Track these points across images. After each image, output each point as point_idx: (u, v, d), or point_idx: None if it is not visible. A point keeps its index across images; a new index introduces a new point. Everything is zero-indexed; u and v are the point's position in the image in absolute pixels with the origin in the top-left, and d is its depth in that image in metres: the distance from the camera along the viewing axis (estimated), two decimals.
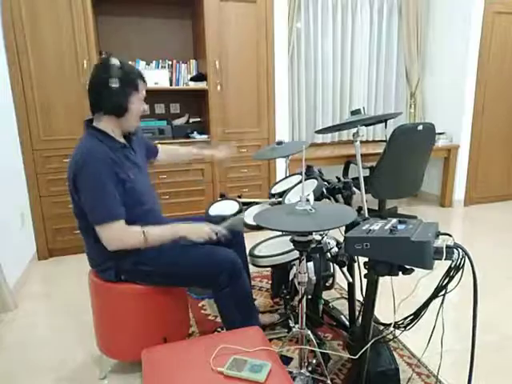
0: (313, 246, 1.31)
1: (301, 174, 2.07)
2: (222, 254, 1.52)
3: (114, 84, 1.41)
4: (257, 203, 2.10)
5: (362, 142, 4.22)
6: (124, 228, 1.42)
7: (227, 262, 1.49)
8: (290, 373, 1.45)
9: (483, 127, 3.99)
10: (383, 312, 1.49)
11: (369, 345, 1.24)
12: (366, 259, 1.11)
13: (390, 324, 1.25)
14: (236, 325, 1.43)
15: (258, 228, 1.65)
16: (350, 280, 1.68)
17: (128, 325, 1.55)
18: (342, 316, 1.91)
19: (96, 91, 1.46)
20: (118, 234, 1.41)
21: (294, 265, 1.83)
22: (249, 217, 1.98)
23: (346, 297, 1.82)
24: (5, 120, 2.64)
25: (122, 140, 1.56)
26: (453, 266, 1.03)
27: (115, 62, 1.44)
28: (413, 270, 1.06)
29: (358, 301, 1.72)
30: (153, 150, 1.88)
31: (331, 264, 1.78)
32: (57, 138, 2.87)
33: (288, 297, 1.97)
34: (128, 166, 1.51)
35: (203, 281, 1.55)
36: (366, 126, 3.98)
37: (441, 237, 1.05)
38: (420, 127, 3.08)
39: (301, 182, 1.86)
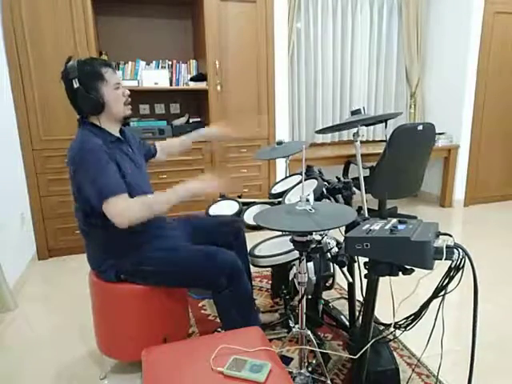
0: (313, 246, 1.31)
1: (301, 174, 2.07)
2: (222, 255, 1.51)
3: (76, 85, 1.40)
4: (256, 203, 2.10)
5: (362, 142, 4.22)
6: (128, 200, 1.40)
7: (227, 264, 1.48)
8: (290, 373, 1.45)
9: (483, 127, 3.99)
10: (383, 312, 1.49)
11: (369, 345, 1.24)
12: (366, 259, 1.11)
13: (390, 324, 1.25)
14: (235, 327, 1.42)
15: (257, 228, 1.65)
16: (350, 280, 1.68)
17: (128, 325, 1.55)
18: (342, 316, 1.91)
19: (70, 98, 1.46)
20: (124, 208, 1.38)
21: (294, 265, 1.83)
22: (249, 217, 1.98)
23: (346, 297, 1.82)
24: (5, 120, 2.64)
25: (117, 134, 1.56)
26: (453, 266, 1.03)
27: (72, 63, 1.42)
28: (413, 270, 1.06)
29: (358, 301, 1.72)
30: (151, 151, 1.88)
31: (331, 264, 1.78)
32: (57, 137, 2.87)
33: (288, 297, 1.97)
34: (124, 159, 1.50)
35: (203, 282, 1.55)
36: (366, 126, 3.97)
37: (441, 237, 1.05)
38: (420, 127, 3.08)
39: (301, 182, 1.86)
